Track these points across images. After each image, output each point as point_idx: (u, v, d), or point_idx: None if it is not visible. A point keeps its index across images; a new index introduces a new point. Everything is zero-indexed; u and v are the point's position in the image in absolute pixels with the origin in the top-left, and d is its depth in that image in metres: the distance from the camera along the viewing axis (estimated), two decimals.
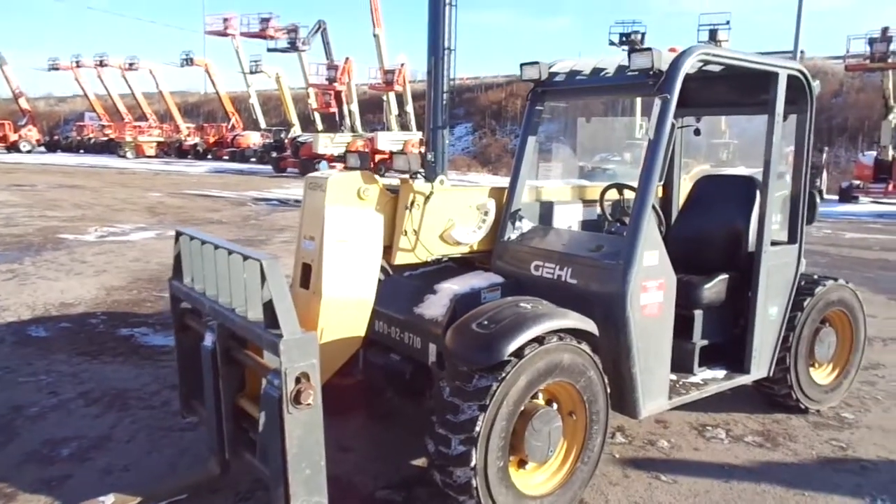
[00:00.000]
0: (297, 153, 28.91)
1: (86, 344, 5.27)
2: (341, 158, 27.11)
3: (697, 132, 4.38)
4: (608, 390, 3.06)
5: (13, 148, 39.67)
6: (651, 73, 3.09)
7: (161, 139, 40.45)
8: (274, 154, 31.32)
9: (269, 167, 30.98)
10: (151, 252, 9.54)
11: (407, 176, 3.37)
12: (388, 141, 28.59)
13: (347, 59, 31.03)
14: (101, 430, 3.77)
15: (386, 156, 27.65)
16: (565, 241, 3.48)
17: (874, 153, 21.62)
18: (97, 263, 8.57)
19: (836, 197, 21.16)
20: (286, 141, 31.82)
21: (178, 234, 3.25)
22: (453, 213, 3.58)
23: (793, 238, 3.91)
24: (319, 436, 2.54)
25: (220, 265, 2.84)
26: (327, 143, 28.03)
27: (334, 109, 31.75)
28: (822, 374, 4.33)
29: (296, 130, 33.42)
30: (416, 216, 3.43)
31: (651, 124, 3.03)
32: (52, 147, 42.76)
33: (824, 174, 22.24)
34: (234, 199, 18.01)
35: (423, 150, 26.47)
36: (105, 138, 40.98)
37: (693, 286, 3.67)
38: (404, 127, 32.69)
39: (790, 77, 3.65)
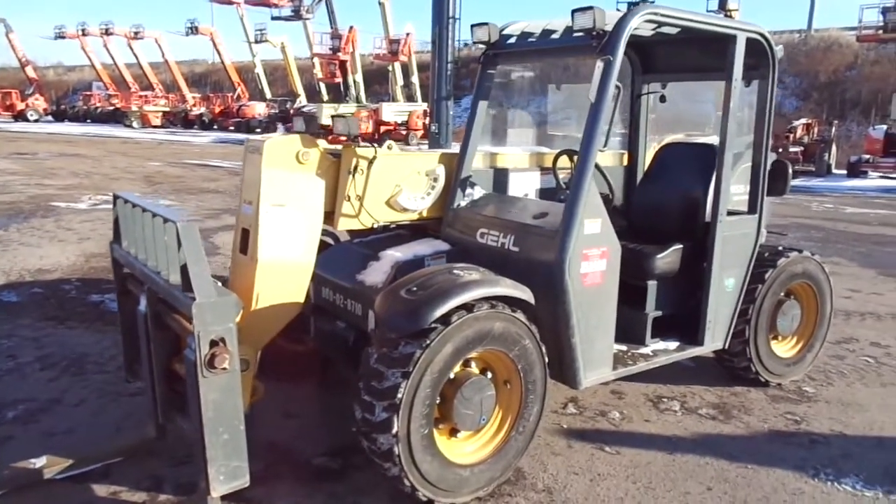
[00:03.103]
0: None
1: (54, 309, 5.29)
2: None
3: (663, 99, 4.27)
4: (546, 359, 3.01)
5: (20, 117, 39.79)
6: (594, 33, 2.99)
7: (167, 109, 40.32)
8: (279, 124, 31.19)
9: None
10: None
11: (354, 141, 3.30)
12: (392, 112, 28.41)
13: (352, 28, 30.77)
14: (53, 393, 3.78)
15: (391, 127, 27.51)
16: (511, 209, 3.41)
17: (885, 127, 21.18)
18: (82, 231, 8.58)
19: (845, 171, 20.80)
20: (291, 111, 31.66)
21: (115, 198, 3.21)
22: (400, 179, 3.52)
23: (753, 208, 3.81)
24: (237, 400, 2.52)
25: (146, 228, 2.81)
26: (331, 113, 27.87)
27: (339, 80, 31.53)
28: (785, 348, 4.26)
29: (301, 101, 33.26)
30: (360, 181, 3.37)
31: (592, 87, 2.94)
32: (59, 116, 42.80)
33: (833, 148, 21.91)
34: (235, 169, 17.95)
35: (427, 121, 26.37)
36: (111, 108, 40.94)
37: (645, 256, 3.60)
38: (410, 98, 32.46)
39: (751, 41, 3.52)
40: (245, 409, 2.98)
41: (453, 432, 2.88)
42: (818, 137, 21.83)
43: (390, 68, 32.78)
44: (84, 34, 40.70)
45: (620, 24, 2.97)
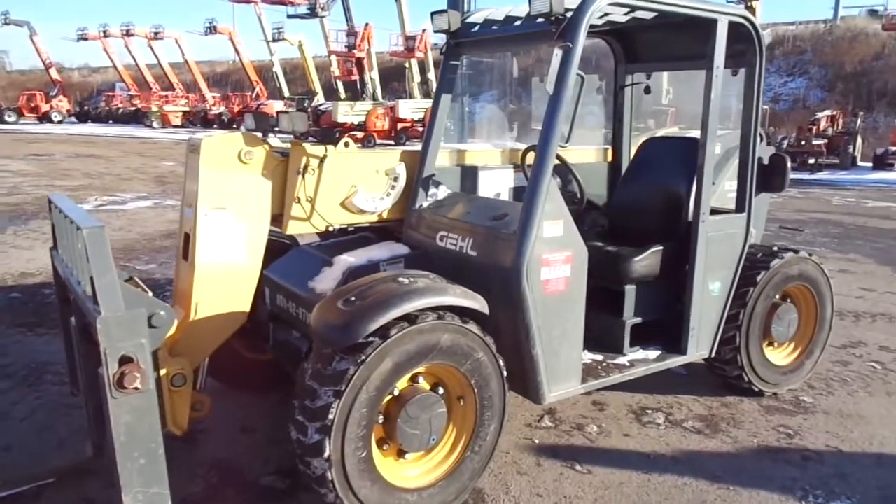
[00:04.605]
0: (318, 122, 28.71)
1: (29, 315, 5.16)
2: (361, 127, 26.92)
3: (647, 90, 4.00)
4: (504, 373, 2.77)
5: (45, 118, 40.24)
6: (552, 18, 2.74)
7: (186, 109, 40.53)
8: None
9: (291, 136, 30.83)
10: (138, 221, 9.47)
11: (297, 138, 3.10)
12: (409, 109, 28.18)
13: (367, 25, 30.58)
14: (1, 406, 3.63)
15: (408, 124, 27.32)
16: (471, 210, 3.17)
17: None
18: None
19: (870, 164, 20.15)
20: (309, 109, 31.59)
21: (49, 202, 3.03)
22: (356, 179, 3.31)
23: (741, 207, 3.53)
24: (154, 422, 2.32)
25: (68, 235, 2.63)
26: (347, 112, 27.74)
27: (356, 77, 31.40)
28: (781, 355, 3.97)
29: (319, 99, 33.19)
30: (311, 182, 3.17)
31: (550, 77, 2.69)
32: (82, 117, 43.24)
33: (858, 140, 21.26)
34: None
35: None
36: (133, 108, 41.26)
37: (622, 259, 3.35)
38: (427, 95, 32.18)
39: (734, 25, 3.25)
40: (184, 427, 2.82)
41: (401, 453, 2.67)
42: (843, 129, 21.20)
43: (407, 65, 32.58)
44: (105, 35, 41.09)
45: (580, 8, 2.71)
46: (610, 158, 4.26)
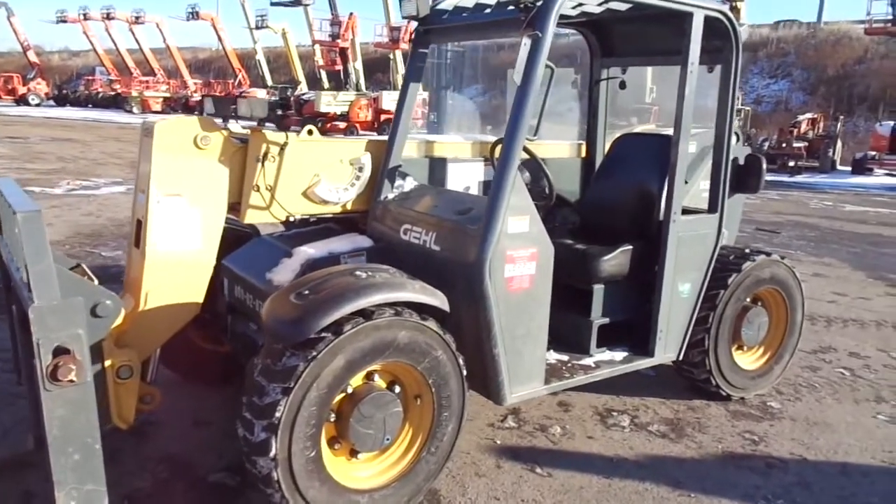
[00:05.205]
0: (301, 111, 28.41)
1: None
2: (344, 117, 26.72)
3: (623, 85, 3.93)
4: (463, 373, 2.69)
5: (22, 101, 39.53)
6: (522, 6, 2.65)
7: (167, 95, 39.98)
8: (279, 112, 30.74)
9: (274, 124, 30.53)
10: (108, 207, 9.29)
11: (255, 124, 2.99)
12: (392, 100, 27.95)
13: (352, 14, 30.25)
14: None
15: (391, 116, 27.13)
16: (437, 203, 3.08)
17: (892, 123, 20.65)
18: (46, 217, 8.26)
19: (850, 168, 20.33)
20: (292, 99, 31.25)
21: None
22: (320, 168, 3.20)
23: (713, 207, 3.47)
24: (90, 416, 2.20)
25: (7, 218, 2.51)
26: (330, 102, 27.48)
27: (340, 67, 31.09)
28: (750, 359, 3.92)
29: (302, 88, 32.83)
30: (271, 170, 3.05)
31: (518, 68, 2.60)
32: (60, 101, 42.50)
33: (838, 144, 21.43)
34: None
35: (426, 109, 25.88)
36: (113, 93, 40.64)
37: (591, 258, 3.27)
38: None
39: (711, 19, 3.17)
40: (130, 420, 2.71)
41: (354, 453, 2.57)
42: (823, 133, 21.37)
43: (391, 56, 32.30)
44: (85, 18, 40.37)
45: None
46: (583, 154, 4.18)
